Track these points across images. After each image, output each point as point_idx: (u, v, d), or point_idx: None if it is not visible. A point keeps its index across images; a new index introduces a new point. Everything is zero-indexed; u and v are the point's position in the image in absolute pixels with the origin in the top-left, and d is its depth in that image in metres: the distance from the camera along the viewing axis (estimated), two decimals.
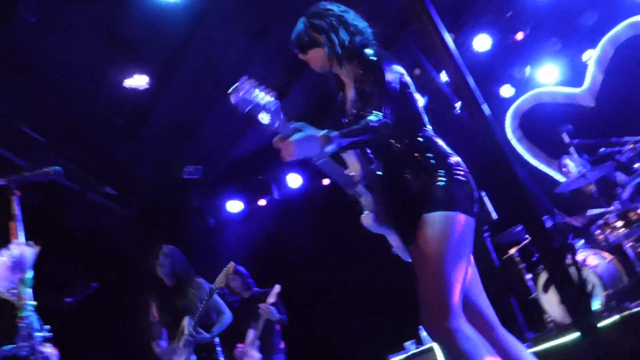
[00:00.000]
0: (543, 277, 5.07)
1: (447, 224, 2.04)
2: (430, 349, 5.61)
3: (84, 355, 4.59)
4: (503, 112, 7.17)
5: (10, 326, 2.02)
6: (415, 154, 2.15)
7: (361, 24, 2.30)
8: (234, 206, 7.51)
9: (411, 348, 5.87)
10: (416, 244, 2.09)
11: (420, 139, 2.19)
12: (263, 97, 1.83)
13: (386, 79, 2.10)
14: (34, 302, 2.09)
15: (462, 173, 2.14)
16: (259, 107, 1.83)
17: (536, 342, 4.90)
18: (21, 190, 2.24)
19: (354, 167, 2.20)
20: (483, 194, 5.38)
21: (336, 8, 2.30)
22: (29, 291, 2.09)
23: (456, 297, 2.00)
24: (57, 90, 5.00)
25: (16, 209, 2.17)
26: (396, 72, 2.19)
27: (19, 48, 4.52)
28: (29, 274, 2.11)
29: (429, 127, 2.28)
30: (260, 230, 7.83)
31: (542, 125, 6.75)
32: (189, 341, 4.29)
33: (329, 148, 1.92)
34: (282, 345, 5.43)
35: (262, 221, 7.82)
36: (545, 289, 4.94)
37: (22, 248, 2.11)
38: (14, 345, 2.02)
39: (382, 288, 7.04)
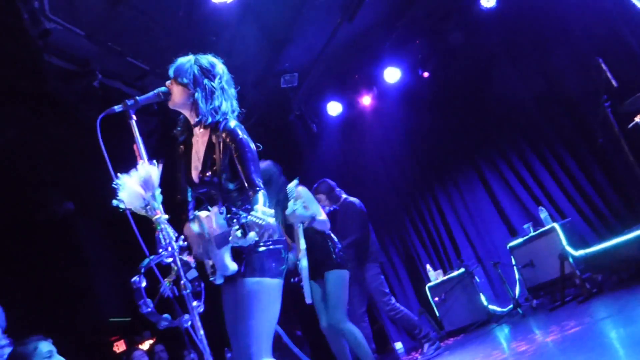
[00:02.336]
0: None
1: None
2: (552, 229, 5.46)
3: None
4: None
5: (153, 239, 2.23)
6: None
7: (233, 100, 2.60)
8: (335, 109, 7.51)
9: (530, 231, 5.76)
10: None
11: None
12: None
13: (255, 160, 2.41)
14: (167, 216, 2.27)
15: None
16: None
17: None
18: (137, 115, 2.38)
19: None
20: (600, 60, 4.91)
21: (225, 76, 2.59)
22: (160, 206, 2.28)
23: None
24: (151, 18, 5.13)
25: (136, 132, 2.32)
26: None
27: None
28: (157, 191, 2.29)
29: None
30: (361, 130, 7.84)
31: None
32: None
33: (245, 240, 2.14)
34: None
35: (365, 119, 7.80)
36: None
37: (147, 167, 2.27)
38: (158, 255, 2.23)
39: (499, 172, 6.86)
